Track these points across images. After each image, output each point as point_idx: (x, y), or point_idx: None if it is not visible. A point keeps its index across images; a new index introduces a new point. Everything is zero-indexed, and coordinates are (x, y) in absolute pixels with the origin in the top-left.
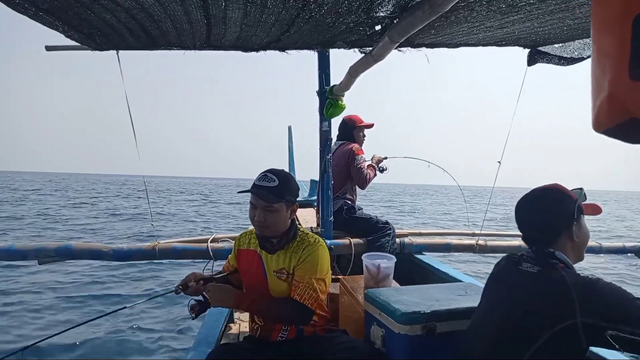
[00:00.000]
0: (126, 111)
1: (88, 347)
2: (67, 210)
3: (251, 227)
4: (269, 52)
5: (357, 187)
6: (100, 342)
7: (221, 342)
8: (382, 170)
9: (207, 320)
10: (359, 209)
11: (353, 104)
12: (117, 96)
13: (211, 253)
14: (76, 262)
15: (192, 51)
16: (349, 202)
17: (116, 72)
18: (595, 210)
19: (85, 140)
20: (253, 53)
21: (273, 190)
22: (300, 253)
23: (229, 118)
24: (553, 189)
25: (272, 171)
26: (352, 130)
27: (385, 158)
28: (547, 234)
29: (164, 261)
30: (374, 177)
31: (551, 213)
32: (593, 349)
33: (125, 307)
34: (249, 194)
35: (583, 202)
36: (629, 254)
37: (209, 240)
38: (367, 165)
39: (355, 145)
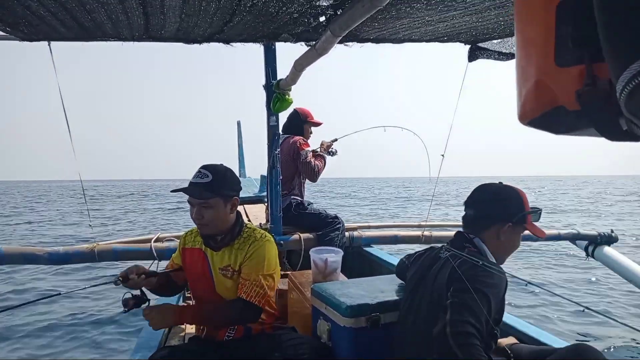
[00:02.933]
0: (43, 109)
1: (15, 335)
2: None
3: (195, 226)
4: (213, 44)
5: (306, 182)
6: (31, 330)
7: (165, 345)
8: (332, 154)
9: None
10: (309, 204)
11: (301, 98)
12: (34, 91)
13: (155, 253)
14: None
15: (130, 43)
16: (298, 198)
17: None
18: (539, 233)
19: None
20: (196, 45)
21: (206, 186)
22: (247, 249)
23: (172, 115)
24: (514, 188)
25: (206, 167)
26: (303, 123)
27: (335, 140)
28: (482, 220)
29: (105, 264)
30: (323, 167)
31: (496, 204)
32: None
33: (60, 294)
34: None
35: (533, 221)
36: (564, 241)
37: (153, 240)
38: (315, 156)
39: (299, 139)
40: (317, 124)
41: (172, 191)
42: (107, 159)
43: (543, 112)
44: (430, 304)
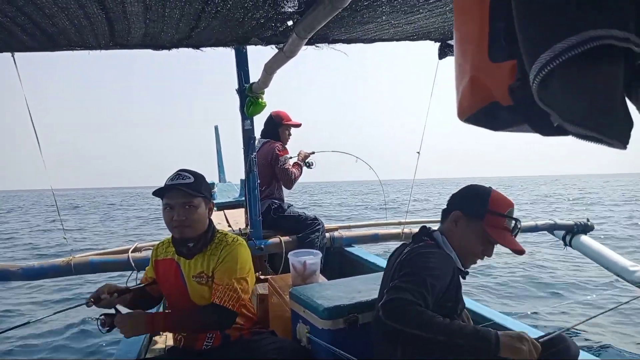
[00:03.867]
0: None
1: None
2: None
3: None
4: (183, 50)
5: None
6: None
7: (144, 357)
8: (308, 166)
9: None
10: (289, 206)
11: (277, 100)
12: (15, 102)
13: (133, 264)
14: None
15: (100, 51)
16: (277, 202)
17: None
18: (499, 237)
19: None
20: (165, 51)
21: (190, 186)
22: (219, 254)
23: (148, 122)
24: (485, 188)
25: (184, 170)
26: (278, 127)
27: (313, 153)
28: (448, 208)
29: (83, 277)
30: (299, 175)
31: (464, 197)
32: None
33: (29, 322)
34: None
35: (513, 233)
36: (541, 232)
37: (130, 251)
38: (293, 164)
39: (278, 146)
40: (296, 125)
41: (154, 193)
42: (82, 166)
43: (479, 109)
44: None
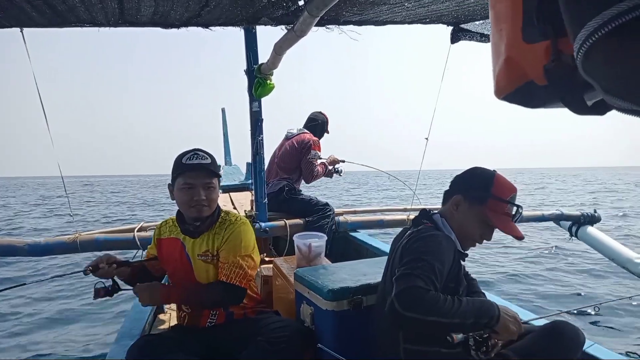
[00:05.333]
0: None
1: None
2: None
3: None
4: (192, 28)
5: None
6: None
7: (149, 333)
8: (337, 172)
9: (132, 311)
10: (300, 192)
11: (284, 85)
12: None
13: (138, 242)
14: None
15: (106, 29)
16: (291, 184)
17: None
18: (499, 224)
19: None
20: (174, 30)
21: (210, 166)
22: (223, 233)
23: (154, 105)
24: (488, 171)
25: (199, 149)
26: (325, 127)
27: (343, 161)
28: (449, 190)
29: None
30: (322, 175)
31: (467, 180)
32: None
33: (25, 284)
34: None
35: (514, 220)
36: (548, 222)
37: (136, 229)
38: (320, 163)
39: (314, 139)
40: (327, 132)
41: (177, 175)
42: (85, 154)
43: (515, 88)
44: (386, 281)
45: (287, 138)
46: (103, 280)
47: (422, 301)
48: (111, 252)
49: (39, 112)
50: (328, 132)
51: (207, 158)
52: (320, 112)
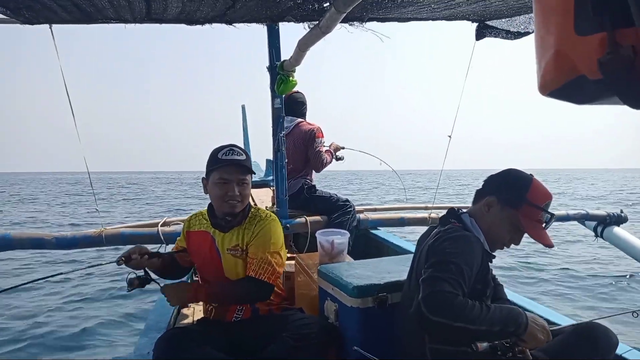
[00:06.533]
0: (45, 100)
1: (21, 315)
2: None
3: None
4: (215, 25)
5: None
6: (37, 311)
7: (175, 326)
8: (338, 159)
9: (158, 304)
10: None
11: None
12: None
13: (162, 237)
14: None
15: (131, 25)
16: (309, 182)
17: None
18: (532, 231)
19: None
20: (198, 27)
21: (245, 163)
22: (253, 229)
23: (176, 102)
24: (526, 175)
25: (235, 146)
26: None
27: (343, 148)
28: (482, 189)
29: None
30: (330, 162)
31: (503, 182)
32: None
33: (61, 273)
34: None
35: (545, 226)
36: (572, 222)
37: (160, 225)
38: (325, 150)
39: (316, 127)
40: None
41: (212, 169)
42: (110, 150)
43: (564, 83)
44: (411, 280)
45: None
46: (135, 271)
47: (450, 306)
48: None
49: (60, 107)
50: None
51: (242, 154)
52: (297, 92)
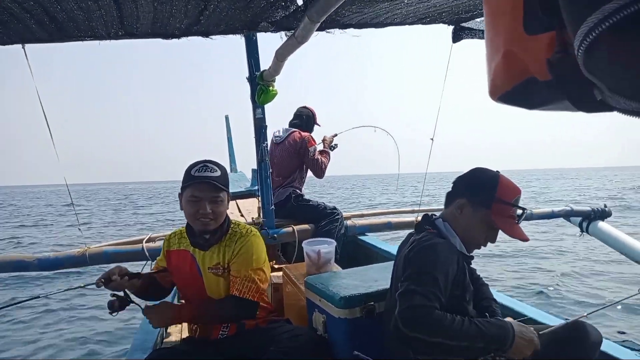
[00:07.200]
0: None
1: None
2: None
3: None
4: (193, 38)
5: (305, 176)
6: (10, 335)
7: (161, 347)
8: (332, 148)
9: (144, 322)
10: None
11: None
12: (15, 96)
13: (147, 254)
14: None
15: (107, 41)
16: (297, 190)
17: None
18: (505, 228)
19: None
20: (175, 40)
21: (219, 180)
22: (234, 246)
23: (158, 114)
24: (492, 173)
25: (209, 161)
26: (312, 121)
27: (335, 135)
28: (452, 192)
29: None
30: (328, 162)
31: (470, 183)
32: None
33: (39, 297)
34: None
35: (518, 220)
36: (558, 219)
37: (144, 241)
38: (320, 152)
39: (308, 135)
40: (318, 125)
41: (183, 186)
42: (93, 162)
43: (514, 85)
44: (392, 290)
45: (275, 143)
46: (115, 292)
47: (427, 322)
48: (120, 264)
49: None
50: (319, 125)
51: (216, 170)
52: (304, 107)
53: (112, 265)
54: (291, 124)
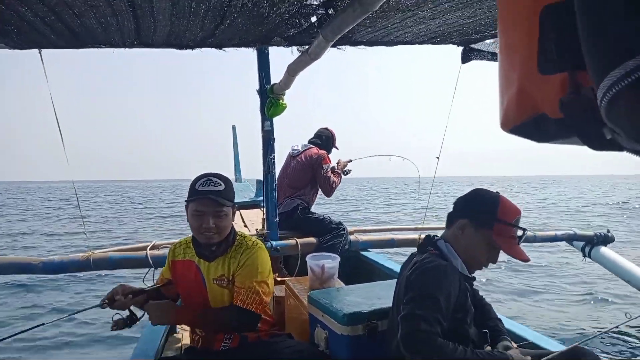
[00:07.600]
0: (44, 114)
1: None
2: None
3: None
4: (206, 50)
5: (316, 194)
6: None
7: (162, 356)
8: (345, 173)
9: (145, 332)
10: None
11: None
12: (30, 97)
13: (151, 261)
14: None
15: (121, 50)
16: (305, 203)
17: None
18: (507, 248)
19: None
20: (188, 51)
21: (222, 194)
22: (239, 258)
23: (167, 121)
24: (492, 194)
25: (214, 175)
26: (331, 142)
27: (350, 161)
28: (453, 213)
29: (101, 272)
30: (339, 184)
31: (471, 204)
32: None
33: (42, 324)
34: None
35: (519, 241)
36: (560, 242)
37: (148, 248)
38: (333, 173)
39: (323, 153)
40: (336, 148)
41: (187, 201)
42: (105, 162)
43: (525, 120)
44: (394, 310)
45: (292, 156)
46: (121, 312)
47: (429, 348)
48: (123, 270)
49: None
50: (337, 148)
51: (220, 184)
52: (325, 128)
53: (116, 272)
54: (310, 142)
